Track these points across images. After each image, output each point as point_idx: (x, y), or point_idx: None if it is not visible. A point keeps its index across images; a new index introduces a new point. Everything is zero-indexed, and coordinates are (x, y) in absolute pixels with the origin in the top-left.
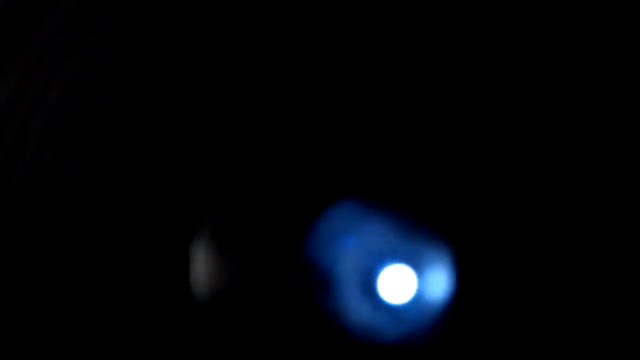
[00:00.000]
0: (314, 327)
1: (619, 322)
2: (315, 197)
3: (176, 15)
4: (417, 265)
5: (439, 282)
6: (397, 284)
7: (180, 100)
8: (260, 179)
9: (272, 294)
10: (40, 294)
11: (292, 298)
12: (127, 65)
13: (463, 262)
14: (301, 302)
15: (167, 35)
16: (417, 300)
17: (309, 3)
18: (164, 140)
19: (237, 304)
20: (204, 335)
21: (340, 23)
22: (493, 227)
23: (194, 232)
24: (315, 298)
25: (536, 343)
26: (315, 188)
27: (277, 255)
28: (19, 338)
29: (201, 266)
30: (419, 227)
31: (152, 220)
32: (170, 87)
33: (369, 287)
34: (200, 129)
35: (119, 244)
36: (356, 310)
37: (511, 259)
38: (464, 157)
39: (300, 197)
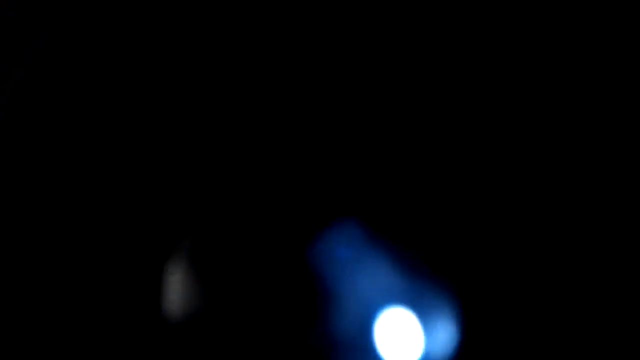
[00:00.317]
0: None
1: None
2: (307, 224)
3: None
4: (423, 317)
5: (446, 338)
6: (400, 338)
7: (158, 106)
8: (246, 197)
9: (265, 330)
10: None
11: (286, 333)
12: (90, 60)
13: (470, 314)
14: (287, 338)
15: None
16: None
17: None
18: (143, 149)
19: (214, 330)
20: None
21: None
22: (505, 278)
23: (170, 249)
24: (306, 335)
25: None
26: (308, 215)
27: (264, 285)
28: None
29: (176, 287)
30: (423, 271)
31: (123, 234)
32: (146, 90)
33: (368, 338)
34: (182, 137)
35: (80, 257)
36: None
37: (527, 307)
38: (475, 192)
39: (291, 224)
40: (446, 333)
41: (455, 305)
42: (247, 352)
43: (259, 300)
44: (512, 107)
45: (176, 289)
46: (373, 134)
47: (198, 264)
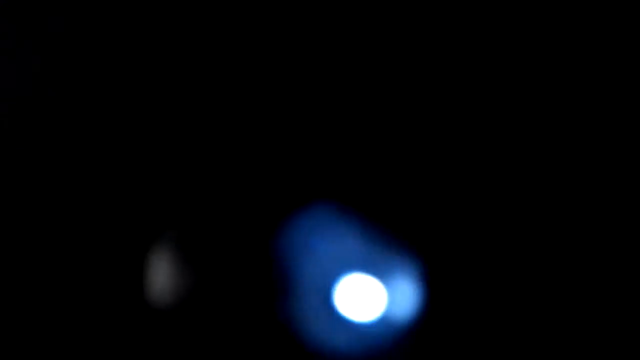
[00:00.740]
0: (273, 336)
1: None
2: (281, 201)
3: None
4: (385, 279)
5: (408, 299)
6: (363, 299)
7: (145, 104)
8: (224, 182)
9: (232, 300)
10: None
11: (252, 305)
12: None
13: (434, 277)
14: (262, 310)
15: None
16: (384, 318)
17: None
18: (130, 142)
19: (196, 311)
20: (160, 342)
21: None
22: (467, 240)
23: (153, 235)
24: (277, 306)
25: None
26: (282, 192)
27: (239, 259)
28: None
29: (161, 271)
30: (388, 238)
31: (109, 224)
32: (132, 88)
33: (331, 300)
34: (162, 130)
35: (66, 247)
36: (316, 323)
37: (487, 272)
38: (443, 165)
39: (265, 201)
40: (407, 293)
41: (417, 267)
42: (219, 329)
43: (229, 279)
44: (477, 89)
45: (160, 272)
46: (333, 115)
47: (181, 248)
